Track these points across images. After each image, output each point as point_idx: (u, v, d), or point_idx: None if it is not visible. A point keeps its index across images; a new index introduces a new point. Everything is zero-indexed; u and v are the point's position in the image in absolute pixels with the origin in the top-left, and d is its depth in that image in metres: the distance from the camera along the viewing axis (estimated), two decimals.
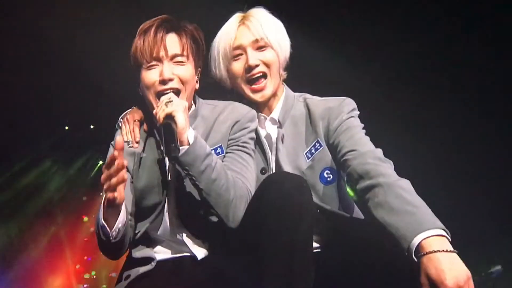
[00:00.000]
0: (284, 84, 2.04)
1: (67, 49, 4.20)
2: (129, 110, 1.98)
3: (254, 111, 1.93)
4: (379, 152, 1.75)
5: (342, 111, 1.89)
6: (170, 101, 1.68)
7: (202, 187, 1.67)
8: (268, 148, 1.93)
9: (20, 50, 4.31)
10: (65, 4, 3.89)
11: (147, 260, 1.84)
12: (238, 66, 1.92)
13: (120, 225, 1.64)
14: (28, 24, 4.07)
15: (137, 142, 1.87)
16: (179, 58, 1.79)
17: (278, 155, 1.90)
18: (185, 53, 1.79)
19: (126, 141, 1.87)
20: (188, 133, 1.66)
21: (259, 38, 1.90)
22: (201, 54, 1.89)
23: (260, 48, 1.91)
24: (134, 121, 1.89)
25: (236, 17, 1.97)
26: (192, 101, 1.93)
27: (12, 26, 4.10)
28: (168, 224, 1.85)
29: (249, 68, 1.89)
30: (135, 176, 1.87)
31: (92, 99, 4.87)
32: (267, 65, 1.90)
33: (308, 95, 2.02)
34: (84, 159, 6.23)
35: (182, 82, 1.78)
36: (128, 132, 1.88)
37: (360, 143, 1.79)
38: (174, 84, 1.76)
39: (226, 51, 1.92)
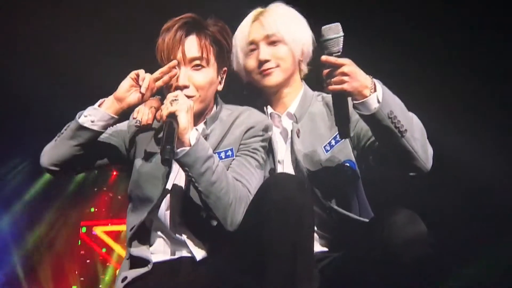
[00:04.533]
0: (304, 82, 2.05)
1: (68, 48, 4.16)
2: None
3: (270, 121, 1.93)
4: None
5: None
6: (176, 100, 1.67)
7: (201, 189, 1.67)
8: (281, 144, 1.95)
9: (20, 49, 4.29)
10: (69, 3, 3.87)
11: (144, 261, 1.82)
12: (251, 61, 1.97)
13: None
14: (28, 24, 4.04)
15: (147, 124, 1.84)
16: (197, 62, 1.78)
17: (293, 148, 1.90)
18: (204, 56, 1.77)
19: (135, 118, 1.87)
20: (190, 134, 1.65)
21: (271, 34, 1.93)
22: (226, 55, 1.87)
23: (272, 43, 1.94)
24: (151, 107, 1.87)
25: (253, 12, 2.02)
26: (214, 104, 1.91)
27: (13, 27, 4.07)
28: (168, 221, 1.83)
29: (260, 63, 1.93)
30: (142, 159, 1.87)
31: (94, 99, 4.84)
32: (278, 59, 1.93)
33: (326, 94, 2.01)
34: None
35: (197, 89, 1.78)
36: (141, 112, 1.86)
37: None
38: (189, 91, 1.76)
39: (243, 46, 1.98)
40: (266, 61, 1.92)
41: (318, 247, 1.85)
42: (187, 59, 1.77)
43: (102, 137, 1.88)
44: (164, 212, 1.84)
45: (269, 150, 1.94)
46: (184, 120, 1.63)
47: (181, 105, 1.65)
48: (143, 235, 1.87)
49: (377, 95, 1.56)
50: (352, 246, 1.71)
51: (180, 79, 1.76)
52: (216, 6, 2.22)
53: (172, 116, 1.64)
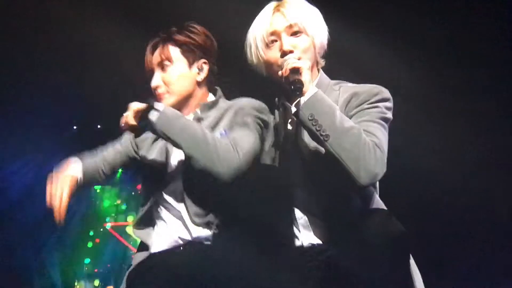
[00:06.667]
0: (321, 71, 2.02)
1: (76, 46, 4.22)
2: None
3: (265, 106, 2.00)
4: (381, 144, 1.73)
5: (367, 100, 1.84)
6: (127, 114, 1.88)
7: (183, 148, 1.81)
8: (290, 135, 1.94)
9: (27, 48, 4.33)
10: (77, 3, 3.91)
11: (146, 247, 1.99)
12: (273, 52, 1.91)
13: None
14: (34, 22, 4.08)
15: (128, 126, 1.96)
16: (162, 64, 2.02)
17: (299, 139, 1.89)
18: (165, 57, 2.01)
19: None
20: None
21: (293, 24, 1.88)
22: (197, 49, 2.04)
23: (294, 34, 1.90)
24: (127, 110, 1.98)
25: (271, 5, 1.98)
26: (207, 93, 2.10)
27: (19, 25, 4.11)
28: (173, 206, 1.96)
29: (283, 54, 1.87)
30: (147, 150, 2.08)
31: (100, 98, 4.88)
32: (301, 51, 1.88)
33: (344, 83, 1.99)
34: None
35: (166, 84, 2.01)
36: (123, 118, 1.96)
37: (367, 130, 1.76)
38: (161, 89, 2.00)
39: (262, 37, 1.92)
40: (290, 51, 1.86)
41: (314, 239, 1.86)
42: (155, 64, 2.03)
43: (117, 151, 2.13)
44: (166, 194, 1.98)
45: (275, 141, 1.97)
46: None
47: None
48: (148, 219, 2.05)
49: (304, 98, 1.69)
50: (345, 242, 1.71)
51: (152, 83, 2.02)
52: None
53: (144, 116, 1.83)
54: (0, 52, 4.22)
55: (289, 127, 1.97)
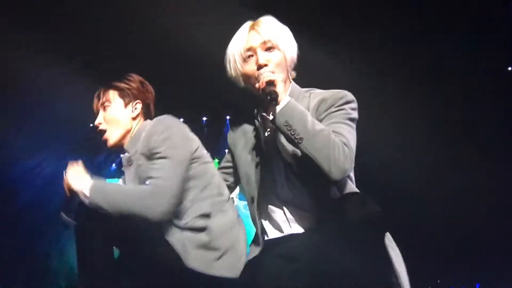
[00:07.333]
0: (292, 81, 2.22)
1: (91, 42, 4.50)
2: None
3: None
4: (349, 143, 1.93)
5: (333, 104, 2.05)
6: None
7: None
8: (271, 143, 2.12)
9: (46, 46, 4.54)
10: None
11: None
12: (250, 66, 2.12)
13: None
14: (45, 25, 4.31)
15: None
16: (104, 105, 2.41)
17: (277, 144, 2.08)
18: (105, 100, 2.41)
19: None
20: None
21: (267, 40, 2.09)
22: (132, 92, 2.43)
23: (268, 49, 2.10)
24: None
25: (247, 24, 2.19)
26: (144, 122, 2.44)
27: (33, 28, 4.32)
28: None
29: (259, 67, 2.09)
30: None
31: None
32: (274, 64, 2.09)
33: (314, 90, 2.20)
34: (105, 156, 6.30)
35: (107, 121, 2.40)
36: None
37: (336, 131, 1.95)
38: (102, 126, 2.40)
39: (240, 53, 2.13)
40: (265, 65, 2.05)
41: (298, 228, 2.04)
42: (99, 107, 2.43)
43: None
44: None
45: (257, 146, 2.16)
46: None
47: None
48: None
49: (279, 107, 1.90)
50: (328, 226, 1.87)
51: (96, 120, 2.41)
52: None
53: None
54: (18, 49, 4.44)
55: (268, 133, 2.15)
